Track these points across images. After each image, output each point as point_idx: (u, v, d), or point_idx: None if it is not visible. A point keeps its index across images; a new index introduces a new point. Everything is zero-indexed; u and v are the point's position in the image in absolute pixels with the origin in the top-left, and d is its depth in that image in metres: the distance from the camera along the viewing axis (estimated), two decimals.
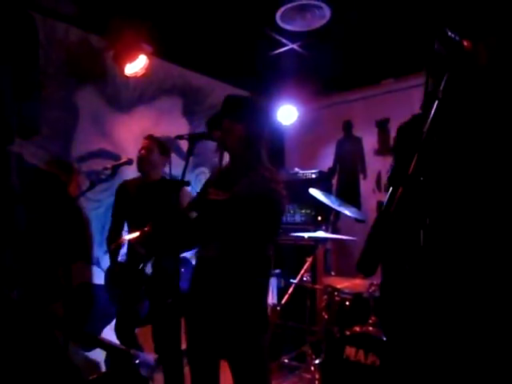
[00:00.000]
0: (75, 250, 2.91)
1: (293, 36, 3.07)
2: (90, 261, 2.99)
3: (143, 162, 2.51)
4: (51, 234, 2.72)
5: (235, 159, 1.67)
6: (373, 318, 2.41)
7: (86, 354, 2.85)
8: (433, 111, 0.93)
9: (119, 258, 2.61)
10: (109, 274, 2.54)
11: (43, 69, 2.75)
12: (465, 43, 0.96)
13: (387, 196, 0.85)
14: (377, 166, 4.08)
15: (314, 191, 2.89)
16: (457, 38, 0.95)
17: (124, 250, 2.61)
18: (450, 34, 0.95)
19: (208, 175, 1.91)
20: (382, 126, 4.00)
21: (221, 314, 1.51)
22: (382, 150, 4.03)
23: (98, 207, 3.06)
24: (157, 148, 2.53)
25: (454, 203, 1.07)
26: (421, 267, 0.94)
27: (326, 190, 3.47)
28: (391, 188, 0.84)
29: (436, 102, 0.93)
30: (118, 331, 2.48)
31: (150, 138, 2.60)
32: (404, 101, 3.68)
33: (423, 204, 0.93)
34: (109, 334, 2.88)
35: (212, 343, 1.57)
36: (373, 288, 2.49)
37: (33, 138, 2.67)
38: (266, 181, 1.48)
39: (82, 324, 2.85)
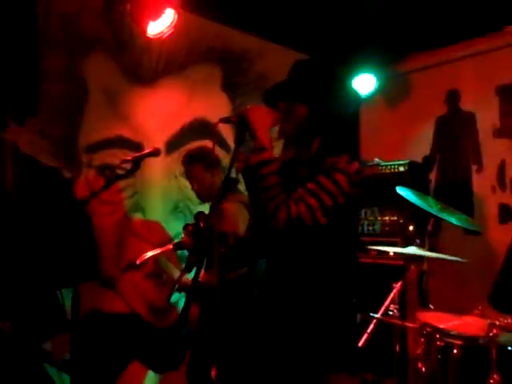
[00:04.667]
0: (84, 268, 2.67)
1: None
2: (103, 282, 2.82)
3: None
4: (52, 247, 2.55)
5: (297, 151, 1.63)
6: (495, 377, 2.00)
7: None
8: None
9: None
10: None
11: (41, 31, 2.59)
12: None
13: None
14: (498, 152, 3.47)
15: (402, 190, 2.62)
16: None
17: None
18: None
19: None
20: (507, 93, 3.42)
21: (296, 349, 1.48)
22: (506, 130, 3.45)
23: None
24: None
25: None
26: None
27: (421, 188, 3.13)
28: None
29: None
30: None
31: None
32: None
33: None
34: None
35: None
36: (494, 331, 2.05)
37: (29, 122, 2.56)
38: (339, 186, 1.43)
39: (93, 367, 2.58)
